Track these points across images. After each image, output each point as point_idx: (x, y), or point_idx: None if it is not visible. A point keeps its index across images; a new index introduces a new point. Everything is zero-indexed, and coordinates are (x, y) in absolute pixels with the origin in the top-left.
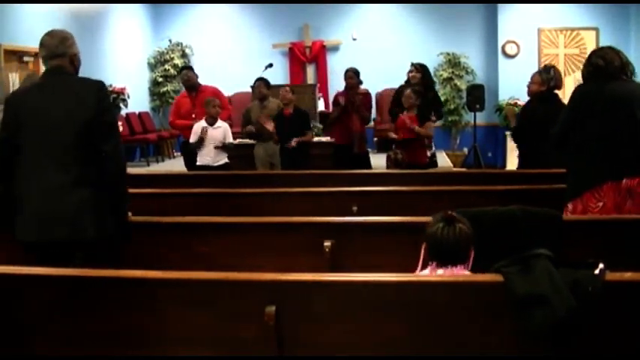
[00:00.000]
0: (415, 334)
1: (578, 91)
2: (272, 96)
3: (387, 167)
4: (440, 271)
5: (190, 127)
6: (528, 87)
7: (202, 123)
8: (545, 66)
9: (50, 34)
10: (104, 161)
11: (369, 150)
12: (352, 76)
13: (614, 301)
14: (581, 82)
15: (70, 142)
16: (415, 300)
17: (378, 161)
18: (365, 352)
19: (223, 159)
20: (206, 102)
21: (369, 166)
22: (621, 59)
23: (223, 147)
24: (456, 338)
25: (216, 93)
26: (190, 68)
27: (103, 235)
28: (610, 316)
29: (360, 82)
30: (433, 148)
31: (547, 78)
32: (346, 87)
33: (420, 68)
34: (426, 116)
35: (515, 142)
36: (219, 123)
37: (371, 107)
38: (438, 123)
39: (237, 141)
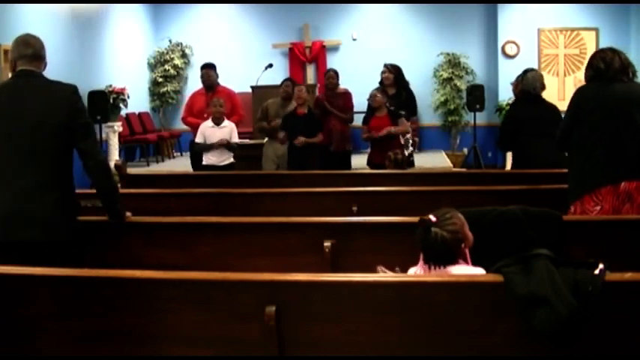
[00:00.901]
0: (415, 334)
1: (577, 93)
2: (274, 96)
3: (386, 167)
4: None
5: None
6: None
7: (208, 123)
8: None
9: (32, 36)
10: (84, 160)
11: (369, 150)
12: (334, 76)
13: (614, 301)
14: (582, 83)
15: (41, 144)
16: (415, 300)
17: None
18: (365, 352)
19: (229, 159)
20: (212, 102)
21: (348, 166)
22: (622, 61)
23: (228, 146)
24: (456, 338)
25: (230, 95)
26: (212, 66)
27: (73, 237)
28: (610, 316)
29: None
30: (410, 149)
31: (517, 80)
32: (326, 87)
33: (392, 69)
34: (397, 114)
35: (499, 146)
36: (225, 122)
37: (352, 106)
38: (439, 123)
39: (239, 141)
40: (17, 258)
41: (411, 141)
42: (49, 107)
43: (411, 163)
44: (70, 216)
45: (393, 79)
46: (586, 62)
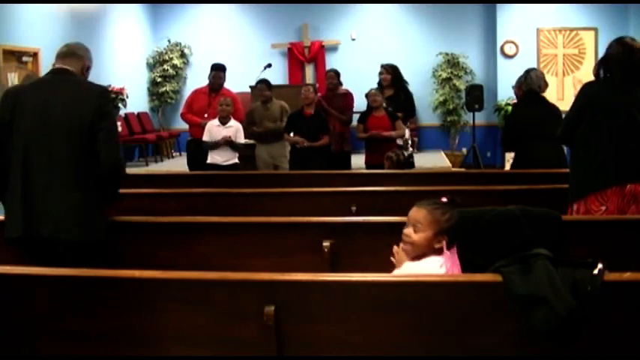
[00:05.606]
0: (415, 334)
1: (584, 90)
2: (275, 96)
3: (386, 168)
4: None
5: (199, 126)
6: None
7: (215, 122)
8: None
9: (80, 44)
10: (98, 168)
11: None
12: (334, 76)
13: (614, 301)
14: (582, 82)
15: (66, 143)
16: (415, 300)
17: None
18: (365, 352)
19: (233, 159)
20: (219, 101)
21: (348, 166)
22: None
23: (232, 145)
24: (456, 338)
25: (234, 99)
26: (223, 69)
27: (88, 238)
28: (609, 315)
29: (340, 84)
30: (410, 150)
31: (519, 82)
32: (327, 88)
33: (390, 69)
34: (395, 115)
35: (503, 145)
36: (232, 122)
37: (352, 107)
38: (438, 123)
39: (246, 141)
40: (35, 254)
41: (410, 142)
42: (75, 106)
43: (411, 164)
44: (90, 217)
45: (391, 80)
46: (584, 62)
